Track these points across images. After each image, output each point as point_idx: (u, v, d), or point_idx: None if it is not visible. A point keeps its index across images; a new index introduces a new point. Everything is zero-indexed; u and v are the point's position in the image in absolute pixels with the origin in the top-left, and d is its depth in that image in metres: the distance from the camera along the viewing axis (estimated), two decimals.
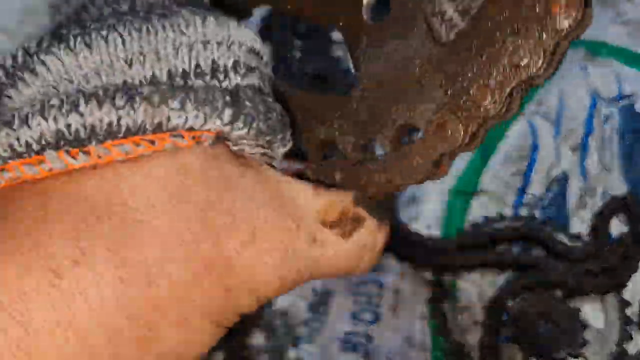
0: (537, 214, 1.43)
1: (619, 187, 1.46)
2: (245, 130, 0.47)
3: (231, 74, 0.47)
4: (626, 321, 1.30)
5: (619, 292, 1.31)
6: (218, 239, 0.44)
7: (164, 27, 0.45)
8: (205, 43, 0.46)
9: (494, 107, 0.50)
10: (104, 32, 0.45)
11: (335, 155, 0.56)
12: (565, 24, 0.46)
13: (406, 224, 1.35)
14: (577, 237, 1.37)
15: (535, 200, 1.45)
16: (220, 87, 0.47)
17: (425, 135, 0.52)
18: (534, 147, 1.53)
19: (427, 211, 1.56)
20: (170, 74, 0.45)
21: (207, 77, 0.46)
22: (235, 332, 1.27)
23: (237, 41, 0.48)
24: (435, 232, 1.42)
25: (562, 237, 1.36)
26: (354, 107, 0.54)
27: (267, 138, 0.49)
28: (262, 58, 0.50)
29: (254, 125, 0.47)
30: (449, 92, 0.50)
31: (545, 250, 1.34)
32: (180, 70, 0.46)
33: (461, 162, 1.54)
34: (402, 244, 1.33)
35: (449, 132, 0.51)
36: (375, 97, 0.54)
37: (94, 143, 0.42)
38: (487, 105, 0.49)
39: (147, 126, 0.43)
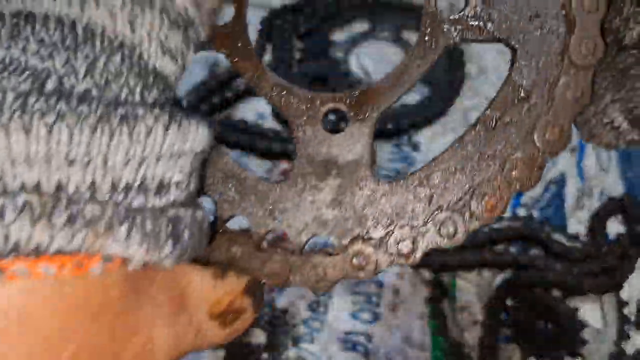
0: (535, 214, 1.44)
1: (616, 188, 1.48)
2: (173, 262, 0.45)
3: (174, 190, 0.46)
4: (624, 321, 1.31)
5: (616, 292, 1.32)
6: (120, 346, 0.44)
7: (120, 132, 0.41)
8: (158, 158, 0.44)
9: (413, 258, 0.56)
10: (49, 119, 0.39)
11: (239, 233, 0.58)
12: None
13: None
14: (574, 237, 1.38)
15: (533, 200, 1.46)
16: (164, 211, 0.45)
17: (340, 257, 0.56)
18: None
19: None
20: (113, 185, 0.42)
21: (150, 194, 0.44)
22: None
23: (190, 149, 0.46)
24: None
25: (560, 238, 1.37)
26: (279, 197, 0.57)
27: (190, 258, 0.48)
28: (204, 153, 0.49)
29: (187, 253, 0.46)
30: (373, 228, 0.56)
31: (544, 250, 1.35)
32: (124, 183, 0.42)
33: None
34: None
35: (363, 263, 0.56)
36: (301, 198, 0.57)
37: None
38: (410, 256, 0.55)
39: (74, 249, 0.41)
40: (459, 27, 0.55)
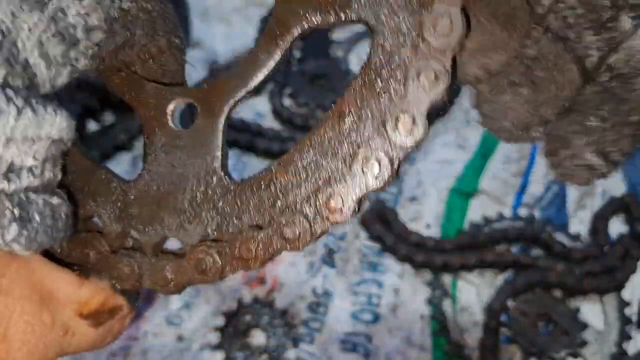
0: (537, 214, 1.43)
1: (618, 187, 1.47)
2: (24, 247, 0.45)
3: (26, 175, 0.45)
4: (625, 321, 1.30)
5: (618, 293, 1.32)
6: None
7: None
8: (9, 140, 0.43)
9: (254, 263, 0.53)
10: None
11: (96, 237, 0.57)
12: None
13: (406, 224, 1.35)
14: (576, 237, 1.37)
15: (535, 200, 1.45)
16: (11, 194, 0.44)
17: (185, 259, 0.54)
18: (534, 147, 1.54)
19: (427, 211, 1.57)
20: None
21: None
22: (236, 333, 1.28)
23: (45, 136, 0.45)
24: (435, 232, 1.43)
25: (561, 238, 1.37)
26: (131, 197, 0.56)
27: (46, 245, 0.47)
28: (67, 143, 0.48)
29: (37, 240, 0.46)
30: (219, 230, 0.54)
31: (545, 250, 1.34)
32: None
33: (460, 162, 1.55)
34: (401, 243, 1.34)
35: (208, 267, 0.54)
36: (151, 200, 0.55)
37: None
38: (251, 261, 0.52)
39: None
40: (312, 11, 0.51)
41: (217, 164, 0.54)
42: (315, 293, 1.28)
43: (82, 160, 0.56)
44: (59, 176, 0.48)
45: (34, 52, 0.45)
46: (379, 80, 0.50)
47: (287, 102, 1.48)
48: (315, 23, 0.51)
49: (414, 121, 0.49)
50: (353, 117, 0.51)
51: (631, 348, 1.23)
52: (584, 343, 1.23)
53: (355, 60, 1.52)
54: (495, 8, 0.50)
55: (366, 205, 0.51)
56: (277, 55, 0.52)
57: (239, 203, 0.54)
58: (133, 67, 0.55)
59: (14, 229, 0.44)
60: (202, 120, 0.54)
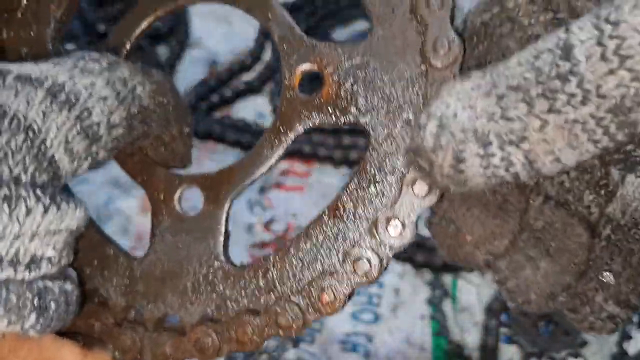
0: None
1: None
2: (39, 332, 0.47)
3: (45, 265, 0.48)
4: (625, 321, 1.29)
5: None
6: None
7: (0, 211, 0.44)
8: (34, 235, 0.46)
9: (250, 346, 0.56)
10: None
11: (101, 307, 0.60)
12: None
13: None
14: None
15: None
16: (30, 282, 0.47)
17: (185, 338, 0.57)
18: None
19: (426, 211, 1.55)
20: None
21: (21, 268, 0.46)
22: None
23: (65, 228, 0.48)
24: None
25: None
26: (137, 274, 0.58)
27: (57, 328, 0.50)
28: (79, 230, 0.51)
29: (50, 326, 0.48)
30: (218, 312, 0.57)
31: None
32: None
33: None
34: None
35: (206, 347, 0.56)
36: (156, 277, 0.58)
37: None
38: (246, 344, 0.55)
39: None
40: (315, 113, 0.55)
41: (219, 249, 0.57)
42: None
43: (91, 235, 0.59)
44: (72, 258, 0.51)
45: (60, 148, 0.48)
46: (372, 185, 0.54)
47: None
48: (318, 123, 0.55)
49: (404, 226, 0.53)
50: (347, 216, 0.54)
51: (631, 348, 1.23)
52: (584, 343, 1.23)
53: None
54: (487, 200, 0.52)
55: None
56: (280, 150, 0.56)
57: (237, 288, 0.56)
58: (145, 150, 0.58)
59: (32, 317, 0.46)
60: (207, 206, 0.57)
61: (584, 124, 0.40)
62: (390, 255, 0.53)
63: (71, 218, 0.48)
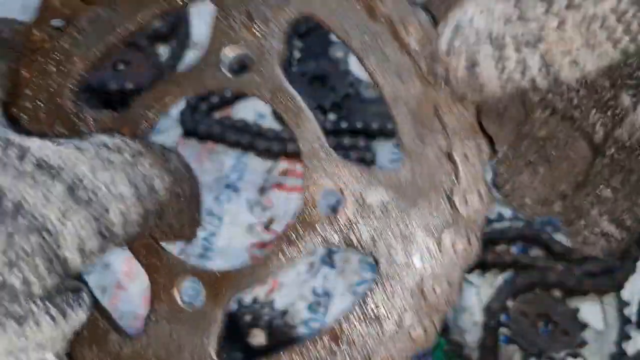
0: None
1: None
2: None
3: None
4: (625, 321, 1.30)
5: (617, 293, 1.32)
6: None
7: (6, 328, 0.43)
8: (38, 346, 0.45)
9: None
10: None
11: None
12: None
13: None
14: None
15: None
16: None
17: None
18: None
19: None
20: None
21: None
22: (236, 332, 1.28)
23: (66, 333, 0.47)
24: None
25: (561, 238, 1.37)
26: (126, 354, 0.57)
27: None
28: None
29: None
30: None
31: (545, 250, 1.35)
32: None
33: None
34: None
35: None
36: None
37: None
38: None
39: None
40: (329, 234, 0.54)
41: (211, 349, 0.56)
42: (315, 293, 1.28)
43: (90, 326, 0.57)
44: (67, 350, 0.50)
45: (73, 249, 0.47)
46: (374, 323, 0.54)
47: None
48: (331, 242, 0.54)
49: None
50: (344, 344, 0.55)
51: (630, 348, 1.23)
52: (583, 343, 1.23)
53: (355, 61, 1.52)
54: (488, 107, 0.52)
55: None
56: (291, 262, 0.55)
57: None
58: (152, 233, 0.57)
59: None
60: (207, 303, 0.56)
61: (603, 20, 0.40)
62: None
63: (73, 323, 0.47)
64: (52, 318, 0.45)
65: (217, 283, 0.56)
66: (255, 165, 1.40)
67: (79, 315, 0.47)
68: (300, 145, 0.54)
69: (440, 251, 0.52)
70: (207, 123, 1.40)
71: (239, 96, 1.46)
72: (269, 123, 1.43)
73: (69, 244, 0.46)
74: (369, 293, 0.53)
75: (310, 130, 0.54)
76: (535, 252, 1.31)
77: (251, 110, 1.46)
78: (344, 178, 0.53)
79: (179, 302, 0.56)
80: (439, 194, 0.51)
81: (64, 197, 0.46)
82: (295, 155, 1.42)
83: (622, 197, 0.51)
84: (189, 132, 1.40)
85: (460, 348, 1.21)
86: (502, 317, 1.24)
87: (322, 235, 0.54)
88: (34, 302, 0.44)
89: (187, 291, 0.58)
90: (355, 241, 0.53)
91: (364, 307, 0.54)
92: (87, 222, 0.47)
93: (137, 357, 0.57)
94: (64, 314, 0.46)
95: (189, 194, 0.55)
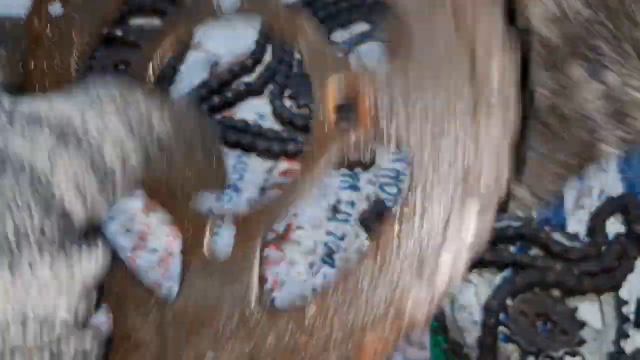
0: (535, 214, 1.44)
1: (615, 187, 1.47)
2: None
3: (57, 326, 0.43)
4: (623, 320, 1.31)
5: (616, 292, 1.32)
6: None
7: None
8: (41, 293, 0.42)
9: None
10: None
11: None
12: None
13: None
14: (574, 237, 1.38)
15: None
16: (42, 349, 0.42)
17: None
18: None
19: None
20: None
21: (29, 332, 0.41)
22: None
23: (80, 282, 0.44)
24: None
25: (559, 237, 1.37)
26: (168, 319, 0.54)
27: None
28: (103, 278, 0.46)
29: None
30: None
31: (543, 250, 1.34)
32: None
33: None
34: None
35: None
36: (187, 324, 0.53)
37: None
38: None
39: None
40: (346, 147, 0.50)
41: (252, 295, 0.52)
42: (315, 293, 1.28)
43: (122, 273, 0.56)
44: (93, 311, 0.47)
45: (70, 196, 0.44)
46: (415, 220, 0.47)
47: (288, 103, 1.48)
48: (351, 158, 0.51)
49: (454, 261, 0.46)
50: (389, 257, 0.48)
51: (629, 346, 1.23)
52: (582, 342, 1.23)
53: (356, 62, 1.53)
54: None
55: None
56: (317, 179, 0.51)
57: (270, 338, 0.50)
58: (173, 182, 0.54)
59: None
60: (238, 248, 0.52)
61: None
62: (440, 296, 0.46)
63: (87, 268, 0.44)
64: (50, 261, 0.42)
65: (245, 224, 0.53)
66: (256, 166, 1.40)
67: (89, 264, 0.44)
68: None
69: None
70: None
71: (239, 97, 1.47)
72: (270, 123, 1.44)
73: (65, 192, 0.44)
74: (409, 191, 0.48)
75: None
76: (534, 251, 1.32)
77: (252, 111, 1.46)
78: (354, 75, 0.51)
79: (210, 253, 0.53)
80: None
81: (54, 145, 0.44)
82: (296, 156, 1.42)
83: (541, 162, 0.50)
84: None
85: (459, 347, 1.22)
86: (501, 316, 1.24)
87: (342, 140, 0.50)
88: (28, 245, 0.41)
89: (217, 240, 0.55)
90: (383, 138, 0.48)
91: (402, 211, 0.48)
92: (81, 169, 0.45)
93: (178, 319, 0.53)
94: (66, 259, 0.43)
95: (200, 140, 0.53)
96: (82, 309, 0.45)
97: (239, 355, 0.51)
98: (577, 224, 1.36)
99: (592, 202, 1.37)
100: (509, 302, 1.25)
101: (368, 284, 0.48)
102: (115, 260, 0.53)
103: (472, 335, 1.23)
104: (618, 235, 1.30)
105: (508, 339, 1.23)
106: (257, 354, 0.50)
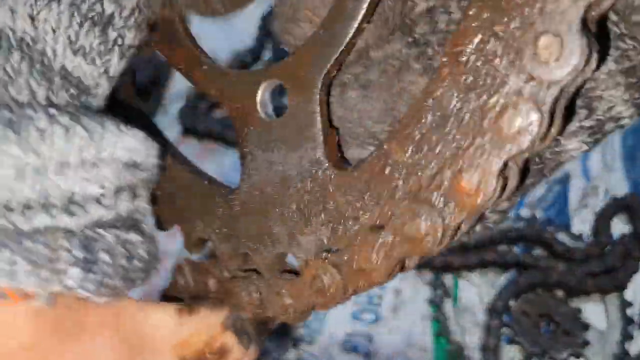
0: (539, 214, 1.42)
1: (620, 187, 1.46)
2: (94, 293, 0.38)
3: (93, 208, 0.38)
4: (627, 321, 1.30)
5: (620, 293, 1.31)
6: None
7: (6, 139, 0.36)
8: (63, 165, 0.37)
9: (377, 276, 0.41)
10: None
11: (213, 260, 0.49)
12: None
13: None
14: (578, 237, 1.37)
15: (537, 200, 1.44)
16: (72, 231, 0.37)
17: (300, 278, 0.44)
18: None
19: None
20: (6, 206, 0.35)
21: (57, 212, 0.37)
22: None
23: (110, 158, 0.39)
24: None
25: (563, 238, 1.36)
26: (236, 210, 0.46)
27: (124, 289, 0.41)
28: (141, 167, 0.41)
29: (109, 285, 0.39)
30: (334, 236, 0.42)
31: (547, 250, 1.34)
32: (22, 200, 0.36)
33: None
34: None
35: (326, 286, 0.43)
36: (257, 208, 0.45)
37: None
38: (373, 274, 0.41)
39: None
40: None
41: (320, 152, 0.42)
42: None
43: (182, 174, 0.49)
44: (145, 207, 0.42)
45: (67, 53, 0.39)
46: None
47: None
48: None
49: (561, 42, 0.33)
50: (475, 56, 0.36)
51: (633, 348, 1.23)
52: (585, 343, 1.23)
53: None
54: None
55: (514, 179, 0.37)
56: (366, 3, 0.40)
57: (351, 198, 0.41)
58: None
59: (74, 272, 0.37)
60: (293, 101, 0.43)
61: None
62: (553, 94, 0.34)
63: (114, 144, 0.38)
64: (65, 129, 0.37)
65: (294, 71, 0.43)
66: None
67: (117, 139, 0.38)
68: None
69: None
70: (207, 122, 1.40)
71: None
72: None
73: (59, 49, 0.38)
74: None
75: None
76: (538, 252, 1.31)
77: None
78: None
79: (265, 118, 0.45)
80: None
81: (31, 2, 0.38)
82: None
83: None
84: (189, 131, 1.39)
85: (462, 348, 1.21)
86: (504, 317, 1.23)
87: None
88: (31, 108, 0.37)
89: (269, 101, 0.46)
90: None
91: None
92: (65, 13, 0.38)
93: (247, 206, 0.46)
94: (84, 129, 0.37)
95: None
96: (124, 198, 0.40)
97: (319, 233, 0.43)
98: (581, 224, 1.35)
99: (597, 202, 1.36)
100: (512, 303, 1.24)
101: (452, 104, 0.37)
102: (175, 160, 0.48)
103: (474, 337, 1.22)
104: (623, 236, 1.29)
105: (511, 340, 1.22)
106: (339, 226, 0.42)
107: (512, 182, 0.37)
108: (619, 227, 1.32)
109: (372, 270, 0.41)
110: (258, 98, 0.45)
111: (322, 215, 0.43)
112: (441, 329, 1.22)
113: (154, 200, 0.44)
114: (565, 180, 1.40)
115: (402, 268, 0.41)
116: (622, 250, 1.28)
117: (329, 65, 0.42)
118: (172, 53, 0.47)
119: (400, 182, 0.39)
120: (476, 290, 1.27)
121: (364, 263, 0.41)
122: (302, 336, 1.24)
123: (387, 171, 0.40)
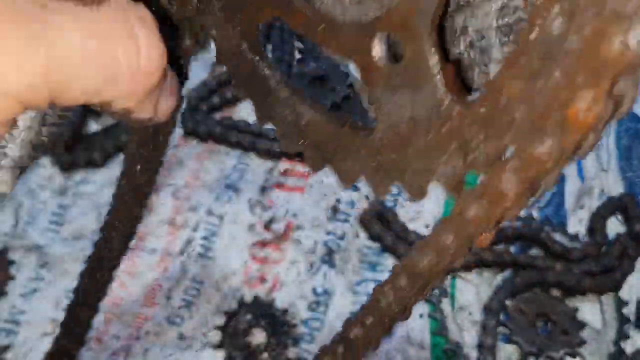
0: (535, 214, 1.44)
1: (615, 187, 1.47)
2: None
3: None
4: (623, 320, 1.31)
5: (616, 292, 1.32)
6: None
7: None
8: None
9: (515, 209, 0.43)
10: None
11: None
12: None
13: (405, 224, 1.36)
14: (574, 237, 1.38)
15: (533, 200, 1.45)
16: None
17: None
18: None
19: (426, 211, 1.57)
20: None
21: None
22: (237, 332, 1.28)
23: None
24: None
25: (560, 237, 1.37)
26: (376, 149, 0.50)
27: None
28: None
29: None
30: (464, 167, 0.45)
31: (543, 250, 1.35)
32: None
33: None
34: (401, 243, 1.35)
35: (471, 216, 0.46)
36: (396, 147, 0.49)
37: None
38: (507, 197, 0.42)
39: None
40: None
41: (441, 91, 0.45)
42: (315, 292, 1.29)
43: (326, 127, 0.53)
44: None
45: None
46: None
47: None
48: None
49: None
50: None
51: (629, 347, 1.23)
52: (582, 342, 1.24)
53: None
54: None
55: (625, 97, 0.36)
56: None
57: (475, 130, 0.43)
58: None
59: None
60: (407, 47, 0.45)
61: None
62: None
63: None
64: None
65: (404, 17, 0.45)
66: (256, 166, 1.40)
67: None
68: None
69: None
70: (208, 123, 1.41)
71: (239, 97, 1.47)
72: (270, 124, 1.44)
73: None
74: None
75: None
76: (534, 252, 1.32)
77: (252, 111, 1.46)
78: None
79: (382, 67, 0.47)
80: None
81: None
82: (296, 156, 1.42)
83: None
84: (190, 133, 1.40)
85: (459, 347, 1.22)
86: (501, 316, 1.24)
87: None
88: None
89: (381, 49, 0.48)
90: None
91: None
92: None
93: (386, 146, 0.49)
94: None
95: None
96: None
97: (452, 153, 0.45)
98: (577, 224, 1.36)
99: (593, 202, 1.37)
100: (509, 302, 1.25)
101: (557, 30, 0.38)
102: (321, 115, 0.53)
103: (472, 336, 1.23)
104: (618, 235, 1.30)
105: (508, 339, 1.23)
106: (467, 144, 0.44)
107: (628, 97, 0.37)
108: (615, 227, 1.33)
109: (507, 195, 0.42)
110: (374, 49, 0.47)
111: (453, 147, 0.45)
112: (439, 328, 1.24)
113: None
114: (561, 181, 1.41)
115: (533, 193, 0.42)
116: (617, 250, 1.29)
117: (439, 3, 0.43)
118: (292, 18, 0.51)
119: (517, 115, 0.40)
120: (473, 290, 1.28)
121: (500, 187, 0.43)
122: (303, 335, 1.25)
123: (501, 101, 0.41)
